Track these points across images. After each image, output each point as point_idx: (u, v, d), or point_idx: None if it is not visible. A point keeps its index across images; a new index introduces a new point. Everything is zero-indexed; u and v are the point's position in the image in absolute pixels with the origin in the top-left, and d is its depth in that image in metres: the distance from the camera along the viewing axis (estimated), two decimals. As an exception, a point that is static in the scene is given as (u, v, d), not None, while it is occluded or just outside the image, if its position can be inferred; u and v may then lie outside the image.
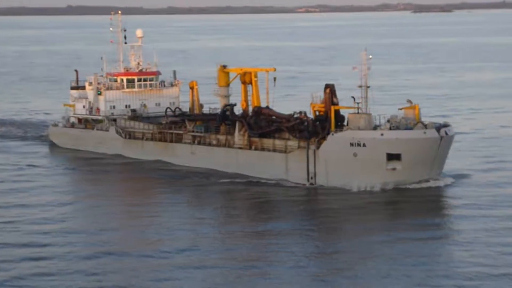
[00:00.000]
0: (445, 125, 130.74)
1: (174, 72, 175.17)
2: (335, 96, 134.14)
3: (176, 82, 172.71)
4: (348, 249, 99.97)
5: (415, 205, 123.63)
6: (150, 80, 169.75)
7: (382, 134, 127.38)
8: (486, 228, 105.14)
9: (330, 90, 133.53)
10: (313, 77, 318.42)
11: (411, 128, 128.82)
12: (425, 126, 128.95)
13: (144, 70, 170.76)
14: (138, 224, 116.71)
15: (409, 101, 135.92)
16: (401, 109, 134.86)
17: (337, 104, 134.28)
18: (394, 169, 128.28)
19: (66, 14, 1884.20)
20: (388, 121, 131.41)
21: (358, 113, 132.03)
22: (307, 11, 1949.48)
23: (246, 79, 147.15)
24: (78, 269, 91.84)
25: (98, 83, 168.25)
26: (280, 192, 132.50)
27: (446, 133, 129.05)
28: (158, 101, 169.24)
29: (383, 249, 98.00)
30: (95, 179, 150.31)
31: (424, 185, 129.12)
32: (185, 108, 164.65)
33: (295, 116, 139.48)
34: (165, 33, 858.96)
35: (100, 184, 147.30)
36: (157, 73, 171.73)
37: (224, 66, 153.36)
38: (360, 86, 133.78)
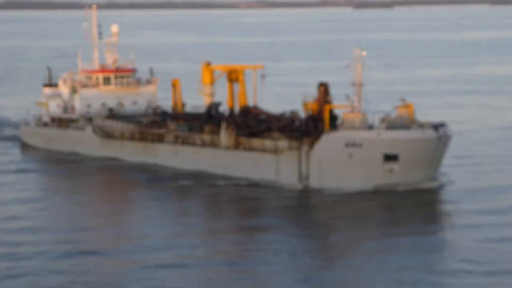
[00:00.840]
0: (442, 125, 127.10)
1: (151, 69, 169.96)
2: (329, 94, 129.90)
3: (153, 80, 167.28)
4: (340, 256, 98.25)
5: (412, 208, 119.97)
6: (126, 77, 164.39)
7: (378, 134, 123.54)
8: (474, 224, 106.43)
9: (324, 88, 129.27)
10: (271, 73, 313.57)
11: (408, 128, 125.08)
12: (421, 126, 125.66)
13: (120, 67, 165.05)
14: (114, 223, 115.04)
15: (403, 100, 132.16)
16: (395, 107, 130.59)
17: (331, 102, 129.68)
18: (391, 170, 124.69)
19: (4, 8, 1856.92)
20: (382, 120, 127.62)
21: (352, 112, 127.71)
22: (249, 7, 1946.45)
23: (233, 77, 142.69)
24: (50, 268, 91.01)
25: (73, 81, 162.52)
26: (270, 194, 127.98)
27: (444, 133, 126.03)
28: (135, 99, 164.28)
29: (378, 260, 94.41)
30: (70, 180, 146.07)
31: (421, 186, 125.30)
32: (166, 106, 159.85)
33: (287, 115, 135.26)
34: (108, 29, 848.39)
35: (76, 184, 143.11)
36: (134, 70, 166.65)
37: (208, 63, 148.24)
38: (353, 84, 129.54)
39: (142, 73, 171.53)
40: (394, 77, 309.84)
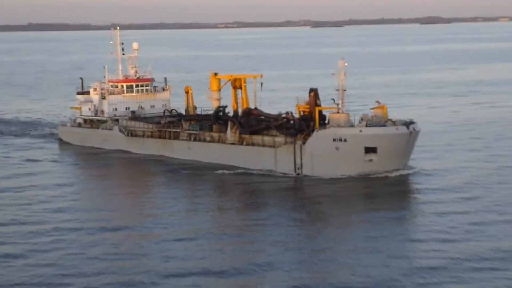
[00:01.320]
0: (412, 122, 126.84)
1: (165, 79, 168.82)
2: (318, 98, 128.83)
3: (167, 87, 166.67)
4: (330, 231, 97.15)
5: (388, 191, 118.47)
6: (146, 86, 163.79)
7: (360, 131, 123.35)
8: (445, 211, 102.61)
9: (314, 93, 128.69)
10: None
11: (384, 125, 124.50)
12: (394, 123, 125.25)
13: (140, 77, 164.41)
14: (137, 204, 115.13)
15: (378, 102, 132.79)
16: (372, 108, 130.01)
17: (320, 105, 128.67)
18: (370, 160, 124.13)
19: (28, 30, 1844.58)
20: (362, 119, 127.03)
21: (338, 113, 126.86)
22: (226, 27, 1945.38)
23: (237, 84, 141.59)
24: (86, 240, 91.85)
25: (102, 89, 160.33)
26: (271, 180, 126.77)
27: (414, 129, 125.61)
28: (152, 103, 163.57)
29: (359, 230, 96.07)
30: (100, 170, 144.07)
31: (395, 173, 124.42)
32: (180, 109, 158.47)
33: (283, 116, 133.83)
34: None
35: (105, 173, 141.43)
36: (152, 80, 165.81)
37: (215, 74, 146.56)
38: (338, 90, 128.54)
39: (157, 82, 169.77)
40: (351, 83, 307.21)
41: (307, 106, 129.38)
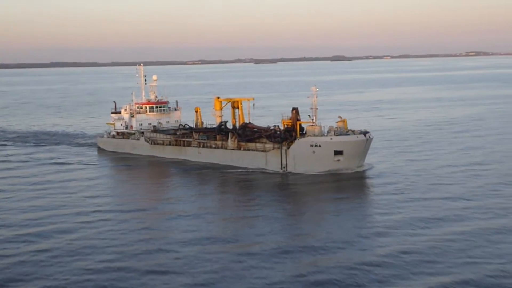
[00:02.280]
0: (366, 132, 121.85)
1: (177, 101, 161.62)
2: (299, 114, 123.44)
3: (178, 108, 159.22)
4: (307, 213, 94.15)
5: (351, 182, 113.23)
6: (163, 107, 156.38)
7: (331, 139, 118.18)
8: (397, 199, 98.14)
9: (296, 111, 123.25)
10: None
11: (348, 134, 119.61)
12: (353, 132, 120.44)
13: (159, 100, 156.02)
14: (160, 192, 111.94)
15: (340, 117, 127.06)
16: (337, 122, 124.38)
17: (300, 120, 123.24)
18: (338, 160, 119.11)
19: (50, 67, 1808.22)
20: (329, 130, 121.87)
21: (313, 125, 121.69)
22: (194, 63, 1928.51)
23: (235, 105, 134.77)
24: (116, 218, 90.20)
25: (131, 110, 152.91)
26: (263, 176, 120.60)
27: (369, 137, 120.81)
28: (168, 120, 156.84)
29: (329, 210, 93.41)
30: (130, 169, 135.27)
31: (356, 170, 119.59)
32: (188, 124, 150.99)
33: (271, 128, 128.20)
34: (114, 78, 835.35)
35: (134, 172, 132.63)
36: (167, 102, 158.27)
37: (218, 97, 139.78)
38: (311, 108, 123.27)
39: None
40: (289, 102, 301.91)
41: (290, 121, 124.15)
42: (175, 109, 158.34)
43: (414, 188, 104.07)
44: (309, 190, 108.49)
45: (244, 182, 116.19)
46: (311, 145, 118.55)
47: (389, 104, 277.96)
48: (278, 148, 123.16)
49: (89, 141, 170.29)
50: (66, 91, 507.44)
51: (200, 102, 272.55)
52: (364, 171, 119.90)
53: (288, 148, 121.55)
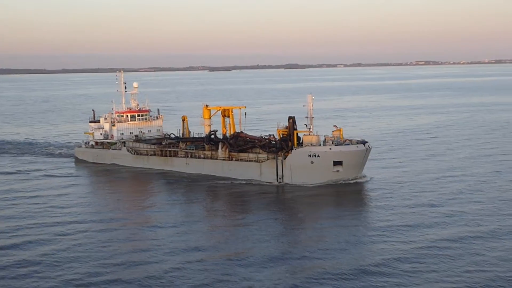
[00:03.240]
0: (365, 141, 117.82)
1: (158, 110, 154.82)
2: (296, 123, 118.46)
3: (160, 116, 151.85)
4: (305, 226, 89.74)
5: (351, 194, 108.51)
6: (145, 115, 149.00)
7: (330, 149, 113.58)
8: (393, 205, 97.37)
9: (292, 120, 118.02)
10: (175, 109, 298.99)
11: (348, 144, 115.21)
12: (351, 142, 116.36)
13: (141, 108, 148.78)
14: (146, 204, 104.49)
15: (335, 126, 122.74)
16: (333, 131, 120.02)
17: (296, 129, 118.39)
18: (338, 171, 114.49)
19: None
20: (325, 140, 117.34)
21: (310, 134, 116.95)
22: (146, 71, 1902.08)
23: (226, 114, 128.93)
24: (98, 227, 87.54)
25: (112, 118, 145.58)
26: (257, 188, 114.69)
27: (369, 147, 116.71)
28: (149, 129, 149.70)
29: (328, 224, 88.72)
30: (113, 181, 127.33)
31: (355, 181, 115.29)
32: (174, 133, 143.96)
33: (266, 137, 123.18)
34: (65, 85, 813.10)
35: (118, 183, 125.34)
36: (149, 111, 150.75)
37: (207, 105, 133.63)
38: (307, 117, 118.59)
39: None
40: (257, 111, 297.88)
41: (286, 130, 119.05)
42: (157, 118, 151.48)
43: (408, 197, 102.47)
44: (306, 203, 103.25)
45: (237, 194, 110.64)
46: (309, 155, 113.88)
47: (351, 112, 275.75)
48: (274, 158, 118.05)
49: (62, 151, 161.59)
50: (20, 98, 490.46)
51: (164, 110, 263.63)
52: (363, 182, 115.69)
53: (285, 158, 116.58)
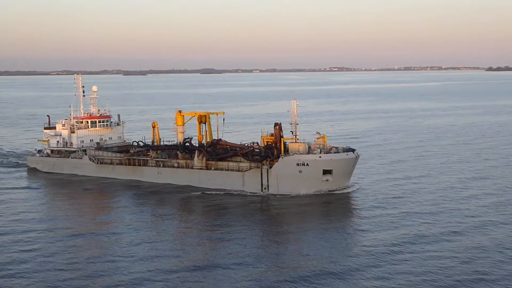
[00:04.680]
0: (352, 149, 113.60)
1: (119, 116, 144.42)
2: (282, 130, 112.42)
3: (121, 123, 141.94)
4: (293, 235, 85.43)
5: (340, 205, 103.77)
6: (106, 122, 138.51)
7: (320, 157, 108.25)
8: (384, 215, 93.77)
9: (279, 126, 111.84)
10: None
11: (338, 152, 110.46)
12: (338, 149, 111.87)
13: (102, 114, 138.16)
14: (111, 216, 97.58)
15: (318, 133, 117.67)
16: (317, 139, 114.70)
17: (283, 136, 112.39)
18: (327, 180, 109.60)
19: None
20: (309, 147, 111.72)
21: (296, 142, 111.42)
22: (58, 74, 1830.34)
23: (202, 120, 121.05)
24: (56, 244, 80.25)
25: (72, 125, 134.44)
26: (239, 199, 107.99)
27: (358, 154, 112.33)
28: (110, 136, 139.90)
29: (316, 236, 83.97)
30: (73, 194, 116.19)
31: (344, 190, 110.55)
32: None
33: (249, 145, 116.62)
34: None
35: (79, 195, 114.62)
36: (110, 116, 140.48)
37: (180, 111, 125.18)
38: (291, 124, 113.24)
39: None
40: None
41: (271, 137, 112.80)
42: (118, 124, 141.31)
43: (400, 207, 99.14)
44: (294, 214, 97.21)
45: (216, 205, 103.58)
46: (298, 164, 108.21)
47: (283, 118, 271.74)
48: (258, 167, 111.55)
49: (9, 159, 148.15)
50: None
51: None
52: (352, 191, 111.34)
53: (270, 167, 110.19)
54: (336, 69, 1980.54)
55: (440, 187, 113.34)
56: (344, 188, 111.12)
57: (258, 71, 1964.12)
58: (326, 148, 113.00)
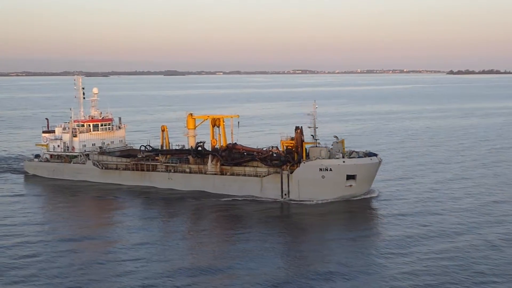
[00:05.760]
0: (374, 153, 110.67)
1: (119, 118, 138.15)
2: (303, 134, 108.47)
3: (123, 126, 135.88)
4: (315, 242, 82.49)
5: (364, 211, 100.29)
6: (108, 125, 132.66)
7: (344, 162, 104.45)
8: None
9: (300, 130, 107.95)
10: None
11: (362, 156, 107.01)
12: (358, 154, 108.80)
13: (104, 117, 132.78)
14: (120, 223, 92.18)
15: (336, 137, 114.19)
16: (337, 142, 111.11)
17: (304, 140, 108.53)
18: (350, 185, 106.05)
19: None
20: (329, 150, 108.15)
21: (317, 146, 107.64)
22: (17, 75, 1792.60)
23: (216, 123, 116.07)
24: (53, 248, 77.83)
25: (74, 129, 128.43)
26: (257, 205, 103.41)
27: (380, 159, 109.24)
28: (112, 140, 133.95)
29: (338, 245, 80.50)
30: (76, 201, 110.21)
31: (366, 196, 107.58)
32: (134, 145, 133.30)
33: (266, 149, 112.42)
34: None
35: (83, 203, 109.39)
36: (112, 119, 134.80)
37: (191, 114, 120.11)
38: (310, 127, 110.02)
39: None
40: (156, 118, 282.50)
41: (291, 141, 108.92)
42: (119, 127, 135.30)
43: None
44: (316, 223, 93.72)
45: (233, 212, 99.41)
46: (321, 169, 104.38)
47: (260, 120, 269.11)
48: (277, 172, 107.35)
49: (7, 165, 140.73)
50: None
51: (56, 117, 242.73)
52: (374, 196, 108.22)
53: (291, 172, 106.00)
54: (300, 71, 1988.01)
55: (465, 191, 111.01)
56: (366, 194, 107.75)
57: (221, 73, 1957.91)
58: (348, 152, 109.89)
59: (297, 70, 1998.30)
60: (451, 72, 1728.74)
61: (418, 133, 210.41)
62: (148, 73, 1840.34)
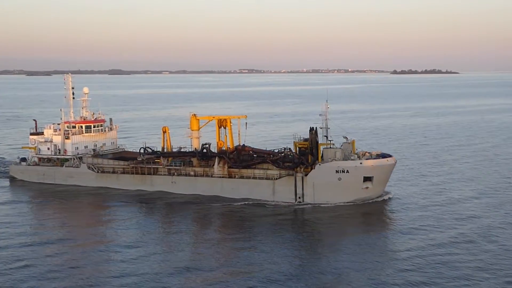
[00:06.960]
0: (388, 154, 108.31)
1: (111, 119, 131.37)
2: (317, 135, 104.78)
3: (114, 127, 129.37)
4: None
5: (381, 215, 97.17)
6: (100, 126, 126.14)
7: (361, 163, 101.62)
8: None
9: (315, 131, 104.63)
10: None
11: (377, 157, 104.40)
12: (371, 155, 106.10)
13: (97, 118, 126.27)
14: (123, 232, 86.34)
15: (346, 137, 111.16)
16: (348, 143, 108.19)
17: (318, 141, 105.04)
18: (367, 188, 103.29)
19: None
20: (342, 152, 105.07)
21: (331, 147, 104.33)
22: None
23: (223, 124, 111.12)
24: (43, 250, 76.31)
25: (66, 130, 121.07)
26: (270, 209, 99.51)
27: (395, 160, 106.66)
28: (104, 141, 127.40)
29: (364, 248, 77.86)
30: (71, 207, 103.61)
31: (381, 198, 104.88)
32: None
33: (277, 151, 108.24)
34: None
35: (78, 209, 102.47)
36: (104, 121, 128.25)
37: (195, 114, 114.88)
38: (321, 128, 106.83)
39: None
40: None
41: (305, 143, 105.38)
42: (111, 129, 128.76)
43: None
44: (332, 225, 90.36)
45: (243, 216, 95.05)
46: (337, 171, 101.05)
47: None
48: (290, 175, 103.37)
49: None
50: None
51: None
52: (389, 198, 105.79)
53: (306, 175, 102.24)
54: (246, 71, 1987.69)
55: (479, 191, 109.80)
56: (381, 196, 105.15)
57: (167, 72, 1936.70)
58: (361, 154, 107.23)
59: (244, 70, 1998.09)
60: (395, 72, 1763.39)
61: (400, 132, 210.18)
62: (92, 72, 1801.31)
